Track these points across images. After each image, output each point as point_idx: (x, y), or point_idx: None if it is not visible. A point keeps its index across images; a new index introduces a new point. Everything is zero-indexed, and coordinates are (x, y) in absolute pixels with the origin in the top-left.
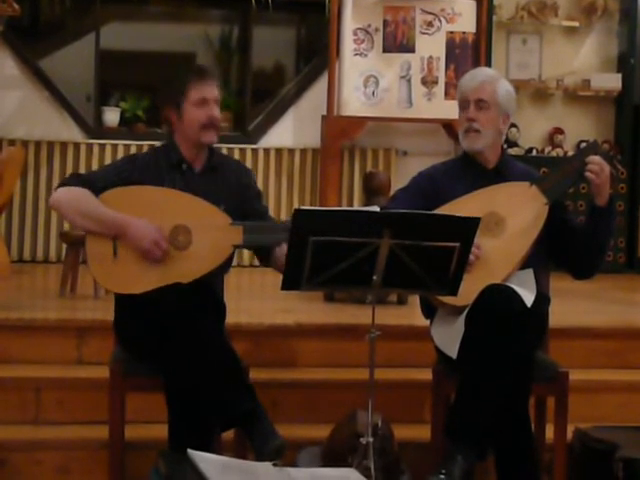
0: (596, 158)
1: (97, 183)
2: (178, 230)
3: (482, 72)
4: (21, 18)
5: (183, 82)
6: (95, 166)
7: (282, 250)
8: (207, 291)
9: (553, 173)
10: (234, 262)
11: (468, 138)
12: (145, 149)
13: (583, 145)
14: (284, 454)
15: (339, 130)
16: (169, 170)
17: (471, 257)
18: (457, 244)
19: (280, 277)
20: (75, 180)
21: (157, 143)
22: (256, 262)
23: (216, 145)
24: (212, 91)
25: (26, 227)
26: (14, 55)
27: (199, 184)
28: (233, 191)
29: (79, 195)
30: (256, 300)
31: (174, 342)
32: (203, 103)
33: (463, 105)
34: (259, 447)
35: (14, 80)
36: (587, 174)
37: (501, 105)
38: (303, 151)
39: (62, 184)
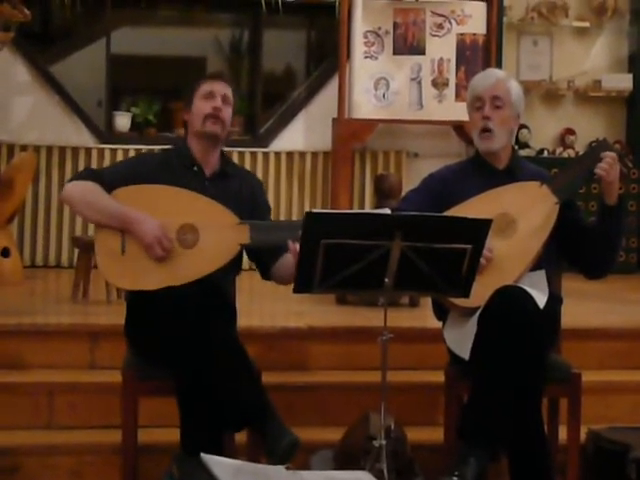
0: (611, 154)
1: (107, 178)
2: (185, 228)
3: (494, 71)
4: (32, 24)
5: (196, 82)
6: None
7: (289, 258)
8: (215, 292)
9: (563, 172)
10: (246, 265)
11: (484, 139)
12: None
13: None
14: (296, 452)
15: (350, 133)
16: (180, 171)
17: (482, 260)
18: (469, 246)
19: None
20: (86, 175)
21: (169, 147)
22: None
23: (226, 149)
24: (221, 88)
25: (38, 232)
26: (25, 61)
27: (209, 187)
28: (245, 202)
29: (89, 188)
30: (268, 303)
31: (184, 343)
32: (210, 96)
33: (476, 105)
34: (270, 445)
35: (26, 86)
36: (597, 170)
37: (514, 104)
38: (314, 154)
39: (73, 178)
